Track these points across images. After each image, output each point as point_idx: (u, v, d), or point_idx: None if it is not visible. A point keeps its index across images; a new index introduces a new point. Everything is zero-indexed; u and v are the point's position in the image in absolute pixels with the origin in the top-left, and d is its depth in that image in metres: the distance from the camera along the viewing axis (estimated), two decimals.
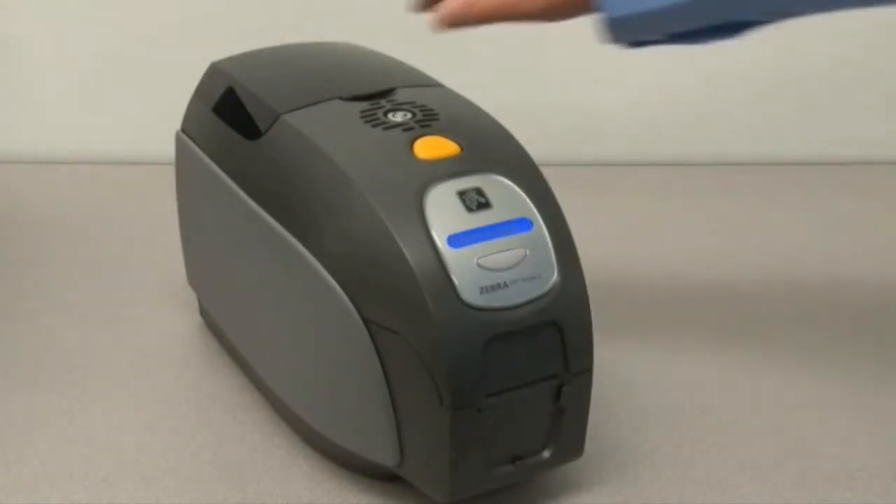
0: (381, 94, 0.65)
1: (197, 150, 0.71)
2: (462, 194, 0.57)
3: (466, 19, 0.67)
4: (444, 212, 0.56)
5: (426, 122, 0.61)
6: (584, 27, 0.65)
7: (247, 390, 0.72)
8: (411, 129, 0.61)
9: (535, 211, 0.58)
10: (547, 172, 0.61)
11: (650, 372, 0.75)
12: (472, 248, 0.56)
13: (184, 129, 0.73)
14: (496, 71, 1.07)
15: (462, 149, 0.59)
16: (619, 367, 0.75)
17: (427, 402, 0.55)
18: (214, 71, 0.71)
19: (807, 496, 0.64)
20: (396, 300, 0.55)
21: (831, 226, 0.99)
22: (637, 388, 0.73)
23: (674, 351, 0.78)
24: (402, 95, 0.65)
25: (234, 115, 0.67)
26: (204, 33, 1.03)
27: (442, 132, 0.60)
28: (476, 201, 0.57)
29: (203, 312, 0.79)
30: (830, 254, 0.93)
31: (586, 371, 0.59)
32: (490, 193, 0.58)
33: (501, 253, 0.56)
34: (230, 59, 0.72)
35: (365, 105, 0.63)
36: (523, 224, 0.57)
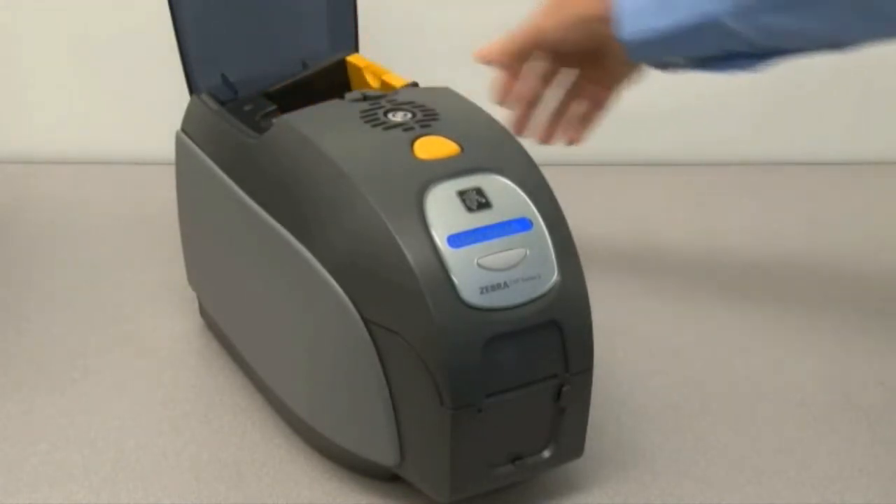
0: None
1: (197, 150, 0.70)
2: (462, 194, 0.57)
3: (506, 52, 0.75)
4: (444, 212, 0.56)
5: (426, 122, 0.61)
6: None
7: (247, 390, 0.72)
8: (411, 129, 0.60)
9: (535, 211, 0.58)
10: (547, 172, 0.61)
11: (650, 371, 0.75)
12: (473, 248, 0.56)
13: (184, 129, 0.73)
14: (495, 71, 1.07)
15: (462, 149, 0.59)
16: (619, 366, 0.75)
17: (427, 402, 0.55)
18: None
19: (807, 496, 0.64)
20: (396, 300, 0.55)
21: (832, 225, 0.99)
22: (637, 388, 0.73)
23: (674, 351, 0.78)
24: (402, 95, 0.65)
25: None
26: None
27: (442, 132, 0.60)
28: (476, 201, 0.57)
29: (203, 312, 0.79)
30: (832, 253, 0.93)
31: (586, 371, 0.59)
32: (490, 193, 0.58)
33: (501, 253, 0.56)
34: None
35: (365, 105, 0.63)
36: (523, 224, 0.57)
